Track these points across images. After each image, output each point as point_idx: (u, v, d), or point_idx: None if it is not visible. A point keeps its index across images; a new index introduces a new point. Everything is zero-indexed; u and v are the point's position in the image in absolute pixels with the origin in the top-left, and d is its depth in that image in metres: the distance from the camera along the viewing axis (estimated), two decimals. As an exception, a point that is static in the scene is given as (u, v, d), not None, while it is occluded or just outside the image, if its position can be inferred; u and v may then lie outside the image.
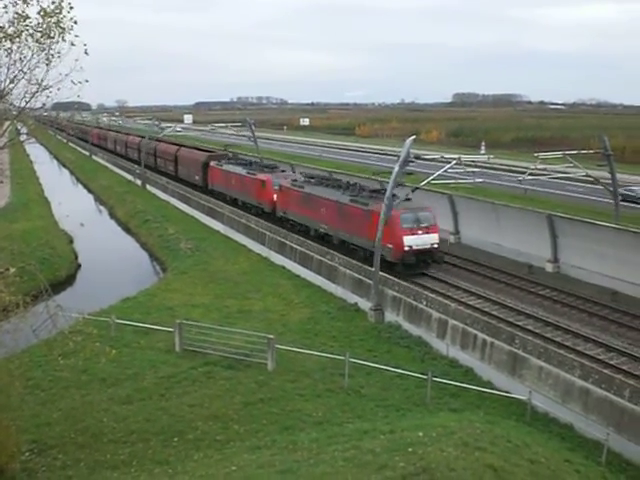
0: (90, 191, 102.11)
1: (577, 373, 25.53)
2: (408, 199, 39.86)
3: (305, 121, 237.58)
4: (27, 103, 19.77)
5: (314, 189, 50.19)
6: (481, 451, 19.14)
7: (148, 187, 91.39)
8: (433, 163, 46.33)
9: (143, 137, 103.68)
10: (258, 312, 39.32)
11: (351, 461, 19.42)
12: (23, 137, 23.45)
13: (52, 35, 18.73)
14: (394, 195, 37.49)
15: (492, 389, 28.01)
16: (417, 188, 38.92)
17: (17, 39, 18.56)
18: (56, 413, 26.23)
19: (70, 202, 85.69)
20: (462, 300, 35.06)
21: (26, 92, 19.47)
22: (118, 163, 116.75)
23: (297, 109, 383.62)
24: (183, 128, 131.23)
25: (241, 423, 25.47)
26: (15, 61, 18.83)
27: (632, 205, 61.83)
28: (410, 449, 19.50)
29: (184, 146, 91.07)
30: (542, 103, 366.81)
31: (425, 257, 40.08)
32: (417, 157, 37.78)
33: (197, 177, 75.90)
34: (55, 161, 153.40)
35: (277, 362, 30.50)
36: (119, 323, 34.91)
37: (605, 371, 24.89)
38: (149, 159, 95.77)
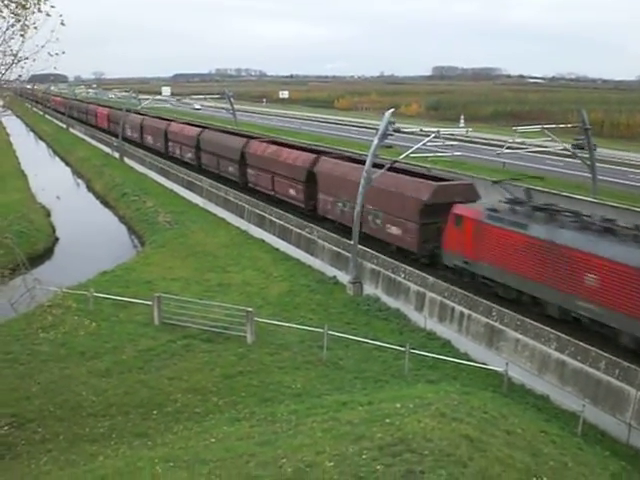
0: (67, 164, 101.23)
1: (553, 345, 25.83)
2: None
3: (284, 94, 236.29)
4: (2, 75, 19.55)
5: None
6: (457, 422, 19.33)
7: (126, 160, 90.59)
8: (412, 136, 46.26)
9: (204, 127, 74.50)
10: (237, 285, 39.33)
11: (329, 432, 19.56)
12: (-1, 109, 23.18)
13: (27, 6, 18.49)
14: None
15: (469, 361, 28.26)
16: (396, 161, 38.87)
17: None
18: (35, 387, 26.13)
19: (47, 175, 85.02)
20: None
21: (1, 64, 19.26)
22: (95, 135, 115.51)
23: (276, 81, 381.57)
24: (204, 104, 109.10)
25: (220, 396, 25.55)
26: None
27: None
28: (388, 420, 19.66)
29: (327, 154, 50.25)
30: (521, 77, 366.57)
31: None
32: (396, 130, 37.67)
33: (402, 232, 37.17)
34: (32, 134, 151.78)
35: (256, 335, 30.58)
36: (98, 297, 34.78)
37: (581, 343, 25.16)
38: (222, 164, 62.86)
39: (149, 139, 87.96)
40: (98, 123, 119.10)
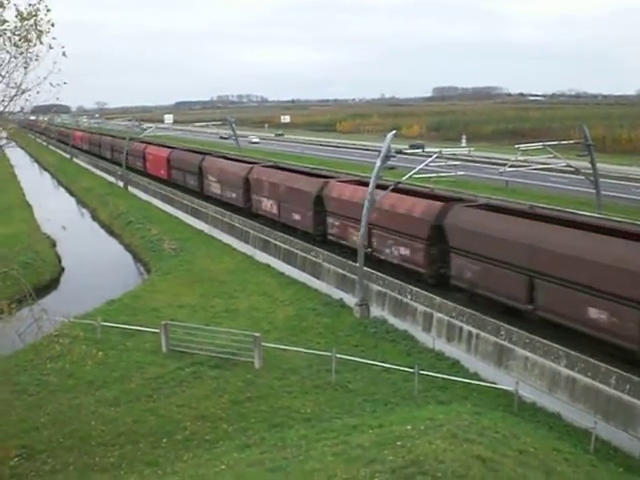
0: (72, 194, 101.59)
1: (563, 362, 25.68)
2: None
3: (286, 118, 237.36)
4: (6, 107, 19.64)
5: None
6: (469, 442, 19.20)
7: (130, 188, 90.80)
8: (414, 157, 46.37)
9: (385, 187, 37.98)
10: (244, 311, 39.25)
11: (340, 456, 19.45)
12: (3, 141, 23.19)
13: (30, 38, 18.59)
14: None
15: (479, 380, 28.09)
16: (399, 182, 38.93)
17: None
18: (44, 417, 26.07)
19: (52, 205, 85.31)
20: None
21: (5, 96, 19.35)
22: (99, 165, 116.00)
23: (278, 106, 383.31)
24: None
25: (230, 422, 25.44)
26: None
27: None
28: (399, 442, 19.53)
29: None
30: (521, 95, 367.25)
31: None
32: (398, 152, 37.77)
33: None
34: (36, 165, 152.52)
35: (264, 360, 30.47)
36: (105, 325, 34.75)
37: (591, 360, 25.02)
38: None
39: (265, 204, 53.85)
40: (148, 169, 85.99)
